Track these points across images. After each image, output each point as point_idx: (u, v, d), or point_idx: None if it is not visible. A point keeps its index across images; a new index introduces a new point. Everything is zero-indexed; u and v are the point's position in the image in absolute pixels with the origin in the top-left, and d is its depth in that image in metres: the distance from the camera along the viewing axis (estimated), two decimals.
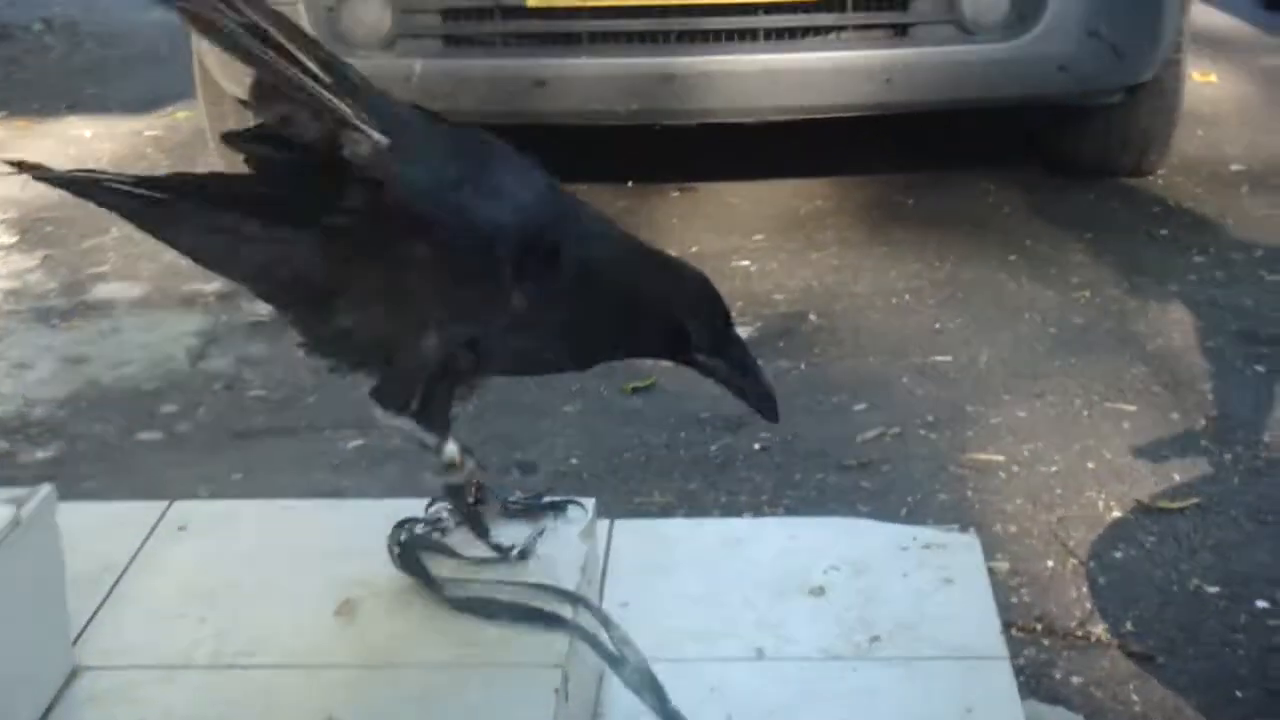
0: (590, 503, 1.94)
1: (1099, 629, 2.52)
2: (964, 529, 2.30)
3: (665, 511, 2.87)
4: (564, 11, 3.90)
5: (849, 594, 2.14)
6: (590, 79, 3.90)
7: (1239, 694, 2.35)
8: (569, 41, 3.94)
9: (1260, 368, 3.35)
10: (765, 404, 1.76)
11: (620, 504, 2.81)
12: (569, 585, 1.77)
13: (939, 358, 3.48)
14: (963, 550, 2.23)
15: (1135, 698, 2.36)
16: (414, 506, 1.91)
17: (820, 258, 4.06)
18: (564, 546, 1.85)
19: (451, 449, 1.74)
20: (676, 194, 4.50)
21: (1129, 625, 2.52)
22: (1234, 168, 4.58)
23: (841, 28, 3.94)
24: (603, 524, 2.34)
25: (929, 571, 2.18)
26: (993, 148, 4.76)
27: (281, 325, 1.79)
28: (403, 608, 1.79)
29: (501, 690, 1.62)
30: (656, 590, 2.19)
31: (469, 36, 3.99)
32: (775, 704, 1.93)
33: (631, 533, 2.35)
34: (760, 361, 3.46)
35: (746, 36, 3.92)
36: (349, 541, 1.93)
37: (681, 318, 1.71)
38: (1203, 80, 5.40)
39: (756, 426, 3.16)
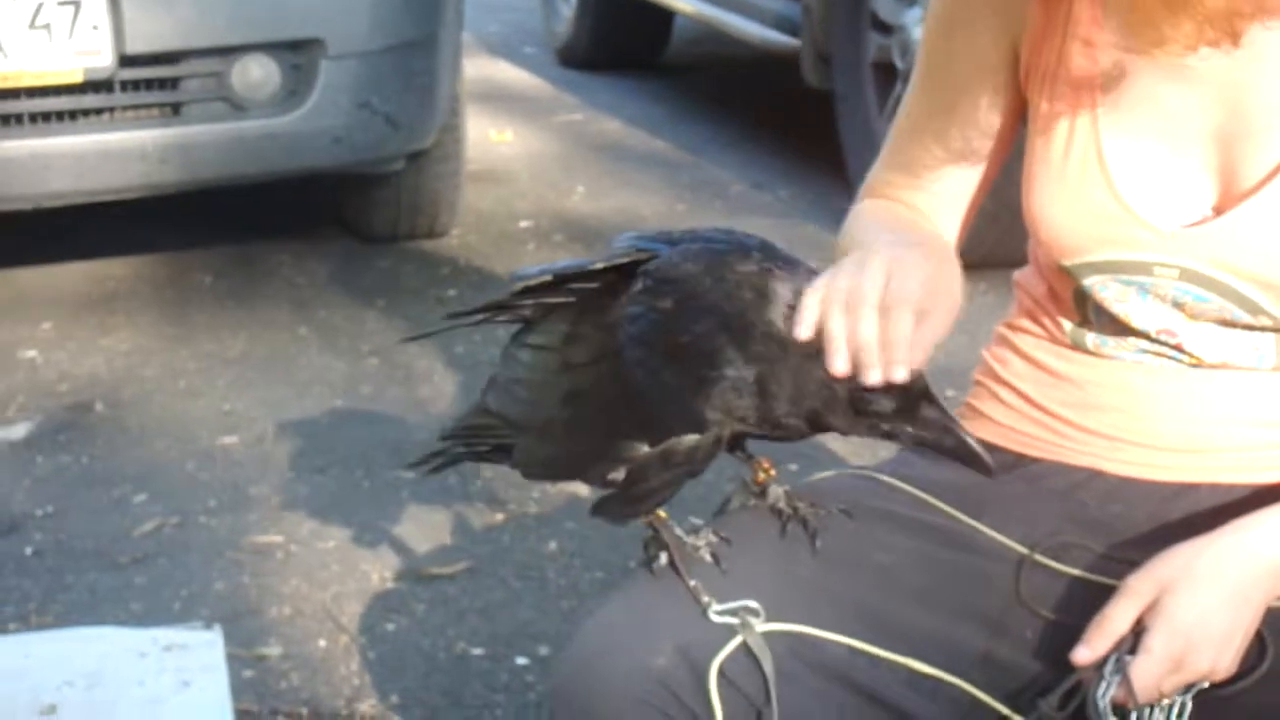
0: None
1: (366, 705, 2.54)
2: (208, 626, 2.29)
3: None
4: None
5: (82, 710, 2.09)
6: None
7: None
8: None
9: None
10: (974, 460, 1.45)
11: None
12: None
13: (226, 439, 3.46)
14: (204, 649, 2.22)
15: None
16: None
17: (111, 343, 3.97)
18: None
19: None
20: None
21: (395, 697, 2.56)
22: (523, 224, 4.75)
23: (111, 109, 3.87)
24: None
25: (167, 676, 2.17)
26: (294, 219, 4.78)
27: None
28: None
29: None
30: None
31: None
32: None
33: None
34: (40, 459, 3.38)
35: (11, 121, 3.79)
36: None
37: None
38: (499, 139, 5.59)
39: (30, 529, 3.06)
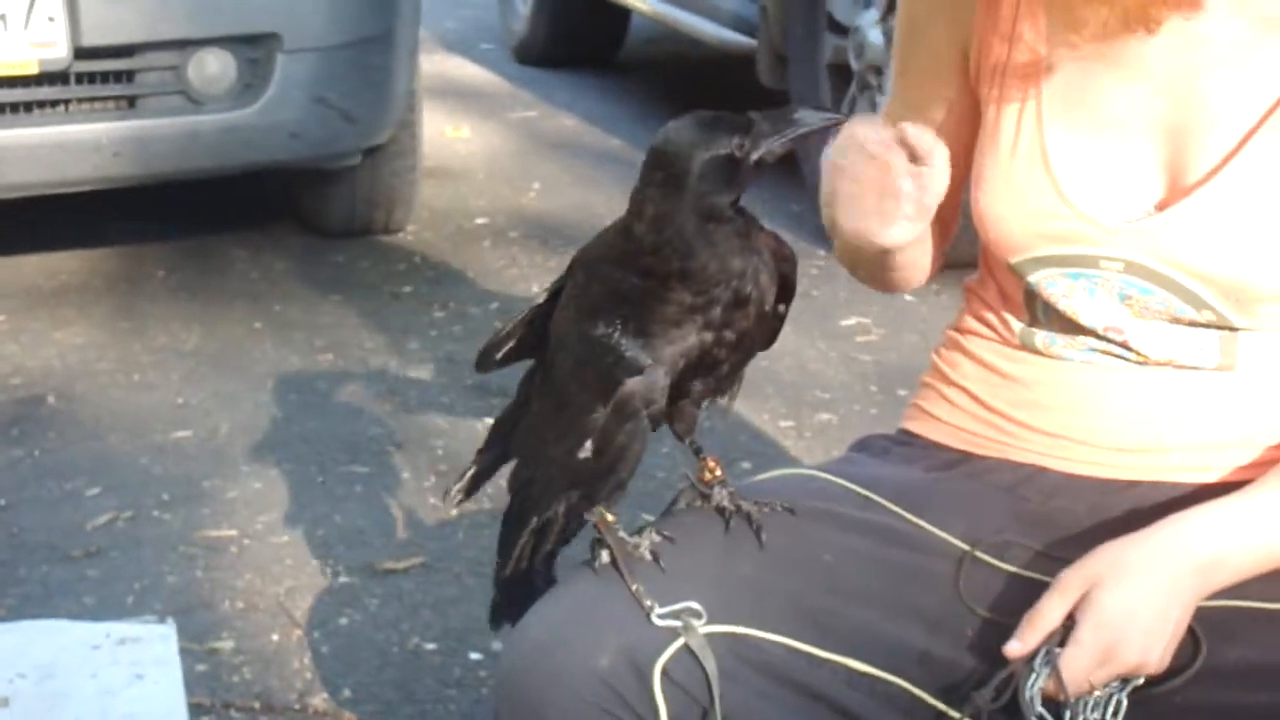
0: None
1: (318, 699, 2.55)
2: (161, 619, 2.29)
3: None
4: None
5: (34, 702, 2.10)
6: None
7: None
8: None
9: (490, 420, 3.47)
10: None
11: None
12: None
13: (179, 433, 3.46)
14: (157, 642, 2.23)
15: None
16: None
17: (64, 337, 3.96)
18: None
19: None
20: None
21: (348, 692, 2.57)
22: (478, 221, 4.76)
23: (66, 101, 3.86)
24: None
25: (120, 669, 2.17)
26: (249, 213, 4.78)
27: None
28: None
29: None
30: None
31: None
32: None
33: None
34: None
35: None
36: None
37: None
38: (455, 135, 5.59)
39: None
